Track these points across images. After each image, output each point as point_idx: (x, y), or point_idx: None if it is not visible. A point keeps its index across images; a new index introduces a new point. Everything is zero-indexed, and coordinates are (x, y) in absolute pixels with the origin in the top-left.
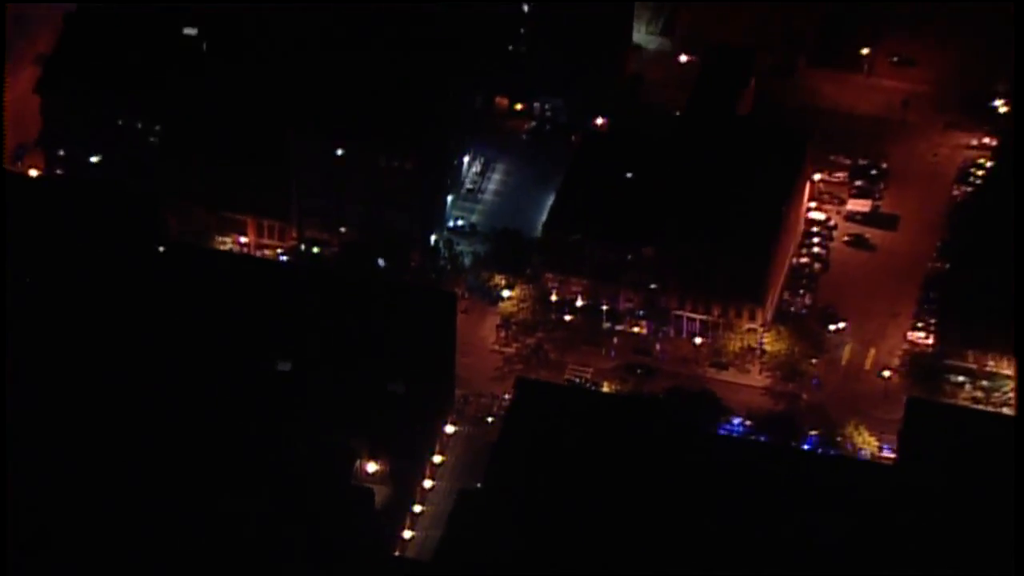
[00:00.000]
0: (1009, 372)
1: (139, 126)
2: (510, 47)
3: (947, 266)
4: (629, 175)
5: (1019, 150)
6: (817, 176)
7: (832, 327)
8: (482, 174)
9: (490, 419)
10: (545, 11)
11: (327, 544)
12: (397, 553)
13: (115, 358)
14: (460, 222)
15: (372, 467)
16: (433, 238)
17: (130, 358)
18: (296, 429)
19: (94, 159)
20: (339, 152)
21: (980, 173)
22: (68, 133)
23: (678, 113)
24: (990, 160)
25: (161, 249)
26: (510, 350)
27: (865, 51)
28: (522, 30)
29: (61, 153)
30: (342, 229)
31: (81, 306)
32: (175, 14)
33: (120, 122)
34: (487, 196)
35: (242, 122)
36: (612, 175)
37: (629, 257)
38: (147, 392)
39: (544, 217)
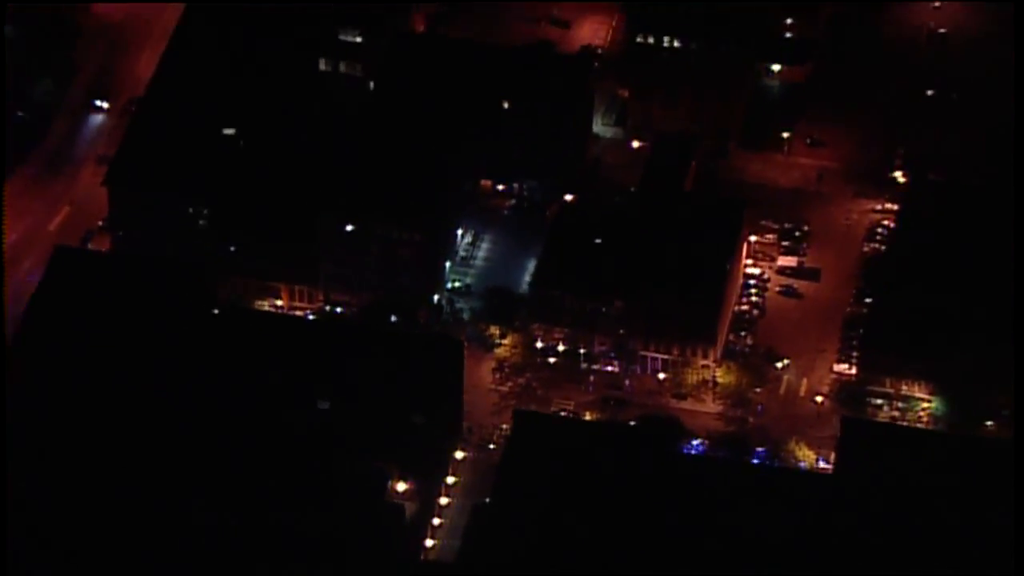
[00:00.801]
0: (921, 394)
1: (190, 210)
2: (493, 138)
3: (863, 309)
4: (598, 240)
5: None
6: (752, 238)
7: (779, 364)
8: (473, 244)
9: (492, 446)
10: (520, 108)
11: (365, 551)
12: (423, 558)
13: (182, 400)
14: (457, 284)
15: (401, 486)
16: (436, 297)
17: (194, 399)
18: (337, 456)
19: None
20: (358, 228)
21: (884, 232)
22: (131, 218)
23: (633, 189)
24: (892, 221)
25: (215, 312)
26: (504, 388)
27: (785, 135)
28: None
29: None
30: (361, 292)
31: (151, 358)
32: (215, 116)
33: (174, 208)
34: (478, 262)
35: (276, 205)
36: (584, 241)
37: (602, 309)
38: (210, 427)
39: (527, 277)
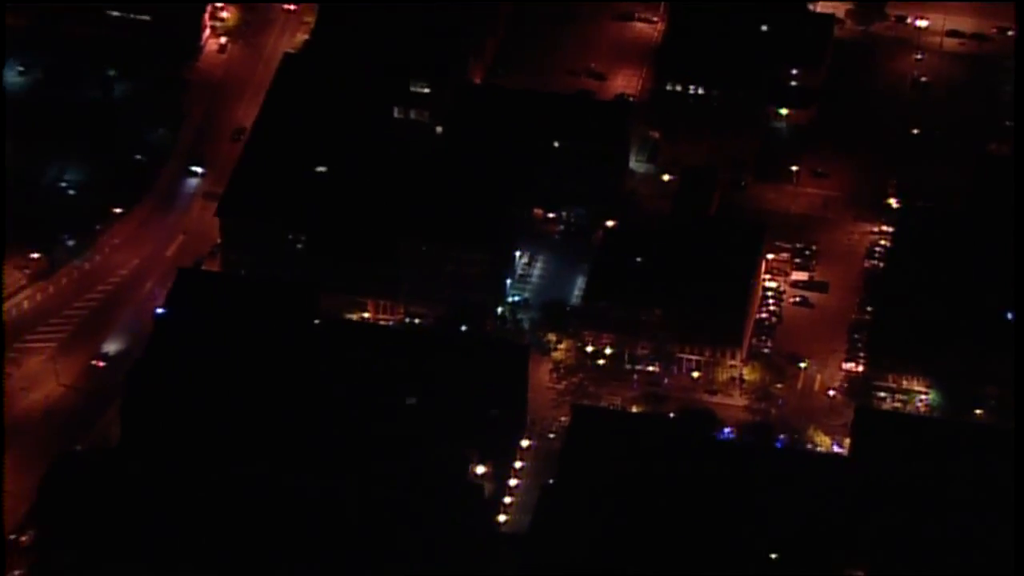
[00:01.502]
0: (920, 388)
1: (290, 236)
2: (543, 172)
3: (866, 316)
4: (639, 259)
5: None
6: (769, 256)
7: (801, 364)
8: (529, 263)
9: (552, 435)
10: (567, 147)
11: (452, 523)
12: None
13: (293, 396)
14: (516, 298)
15: (480, 469)
16: (500, 309)
17: (302, 395)
18: (425, 443)
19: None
20: (434, 250)
21: (881, 251)
22: (238, 243)
23: (663, 216)
24: (888, 241)
25: (316, 322)
26: (560, 387)
27: (794, 168)
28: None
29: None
30: (436, 305)
31: (265, 361)
32: (309, 156)
33: (276, 234)
34: (533, 279)
35: (362, 231)
36: (626, 260)
37: (644, 317)
38: (318, 419)
39: (576, 291)
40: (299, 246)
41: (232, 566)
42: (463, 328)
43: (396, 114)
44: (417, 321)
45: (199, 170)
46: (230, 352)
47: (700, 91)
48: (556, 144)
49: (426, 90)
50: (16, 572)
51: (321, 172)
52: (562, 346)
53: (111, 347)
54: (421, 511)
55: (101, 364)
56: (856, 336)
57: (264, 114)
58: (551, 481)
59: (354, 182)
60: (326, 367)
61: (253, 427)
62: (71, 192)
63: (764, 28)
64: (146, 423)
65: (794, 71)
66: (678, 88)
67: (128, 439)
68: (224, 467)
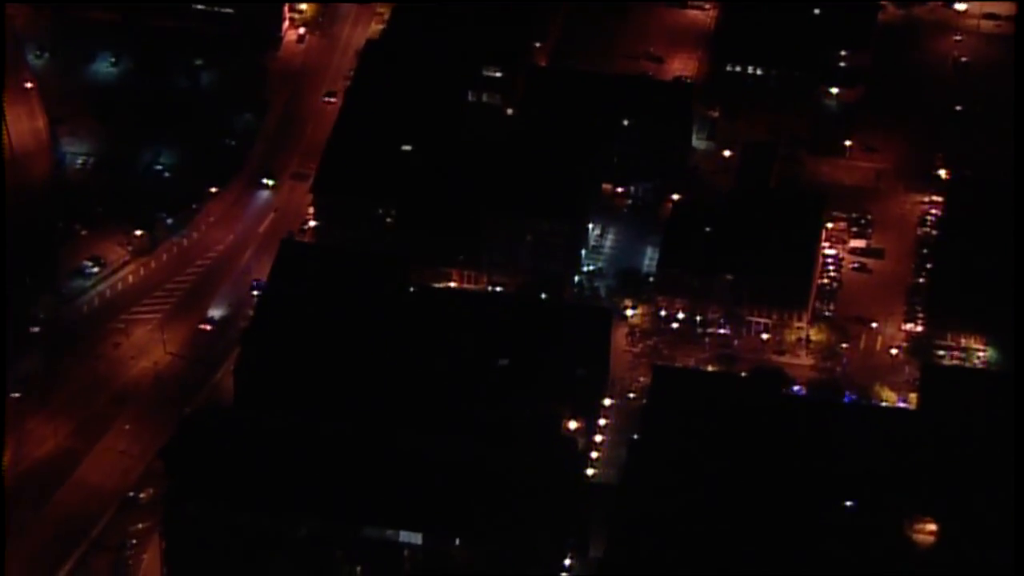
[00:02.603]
0: (977, 345)
1: (380, 211)
2: (612, 150)
3: (921, 280)
4: (708, 229)
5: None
6: (828, 225)
7: (873, 324)
8: (601, 235)
9: (631, 395)
10: (635, 126)
11: (551, 474)
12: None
13: (393, 358)
14: (591, 267)
15: (573, 424)
16: (576, 279)
17: (402, 358)
18: (520, 401)
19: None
20: (516, 223)
21: (933, 219)
22: (331, 218)
23: (724, 190)
24: (940, 210)
25: (411, 290)
26: (636, 350)
27: (847, 143)
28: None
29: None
30: (516, 275)
31: (365, 326)
32: (394, 136)
33: (367, 209)
34: (605, 249)
35: (446, 206)
36: (696, 230)
37: (715, 283)
38: (417, 380)
39: (646, 260)
40: (388, 220)
41: (347, 515)
42: (543, 296)
43: (470, 98)
44: (499, 290)
45: (270, 182)
46: (332, 317)
47: (758, 71)
48: (625, 123)
49: (497, 74)
50: (139, 525)
51: (406, 151)
52: (638, 311)
53: (215, 314)
54: (522, 463)
55: (208, 327)
56: (914, 298)
57: (349, 97)
58: (636, 436)
59: (437, 160)
60: (422, 331)
61: (358, 387)
62: (166, 175)
63: (815, 12)
64: (258, 384)
65: (843, 53)
66: (737, 69)
67: (242, 399)
68: (334, 424)
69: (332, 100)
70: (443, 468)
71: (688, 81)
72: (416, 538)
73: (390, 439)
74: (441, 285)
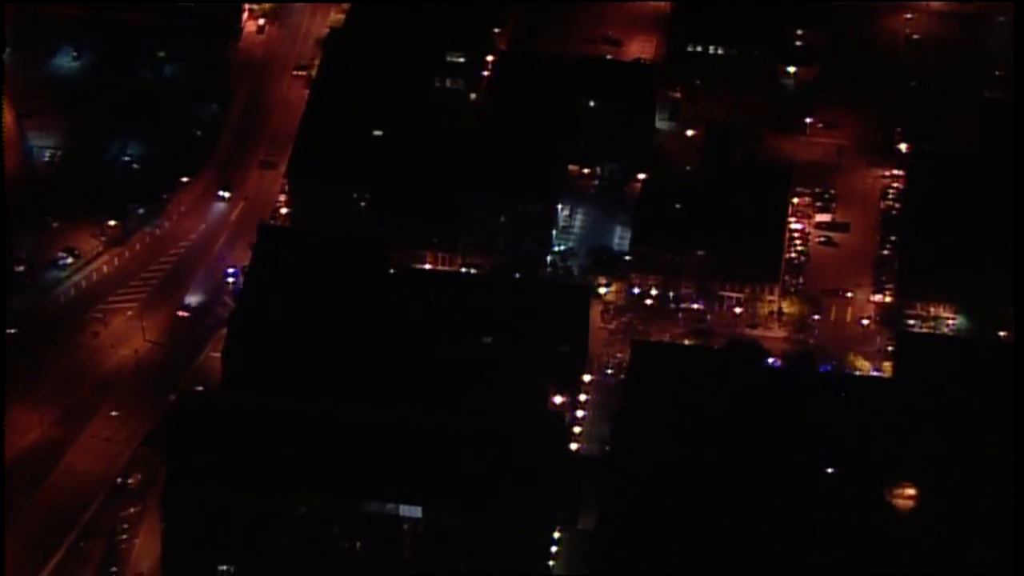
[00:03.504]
0: (947, 314)
1: (354, 195)
2: (578, 131)
3: (885, 252)
4: (678, 206)
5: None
6: (794, 200)
7: (848, 294)
8: (570, 216)
9: (609, 370)
10: (602, 108)
11: (541, 448)
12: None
13: (378, 337)
14: (562, 247)
15: (558, 399)
16: (549, 258)
17: (386, 336)
18: (507, 377)
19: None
20: (491, 203)
21: (895, 192)
22: (306, 203)
23: (689, 167)
24: (902, 183)
25: (391, 271)
26: (611, 326)
27: (808, 120)
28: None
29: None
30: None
31: (347, 306)
32: (364, 122)
33: (341, 194)
34: (575, 229)
35: (419, 190)
36: (666, 207)
37: (687, 259)
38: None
39: (615, 239)
40: (363, 204)
41: (347, 491)
42: (517, 275)
43: (436, 83)
44: (473, 271)
45: (226, 195)
46: (316, 299)
47: (719, 51)
48: (591, 104)
49: (461, 60)
50: (131, 509)
51: (378, 136)
52: (612, 288)
53: (191, 301)
54: (513, 437)
55: (185, 314)
56: (880, 270)
57: (316, 84)
58: (619, 410)
59: (407, 145)
60: (405, 311)
61: (346, 367)
62: (135, 166)
63: None
64: (246, 367)
65: (799, 32)
66: (698, 49)
67: (230, 382)
68: (324, 402)
69: (303, 73)
70: (438, 443)
71: (647, 64)
72: (416, 512)
73: (382, 416)
74: (419, 267)
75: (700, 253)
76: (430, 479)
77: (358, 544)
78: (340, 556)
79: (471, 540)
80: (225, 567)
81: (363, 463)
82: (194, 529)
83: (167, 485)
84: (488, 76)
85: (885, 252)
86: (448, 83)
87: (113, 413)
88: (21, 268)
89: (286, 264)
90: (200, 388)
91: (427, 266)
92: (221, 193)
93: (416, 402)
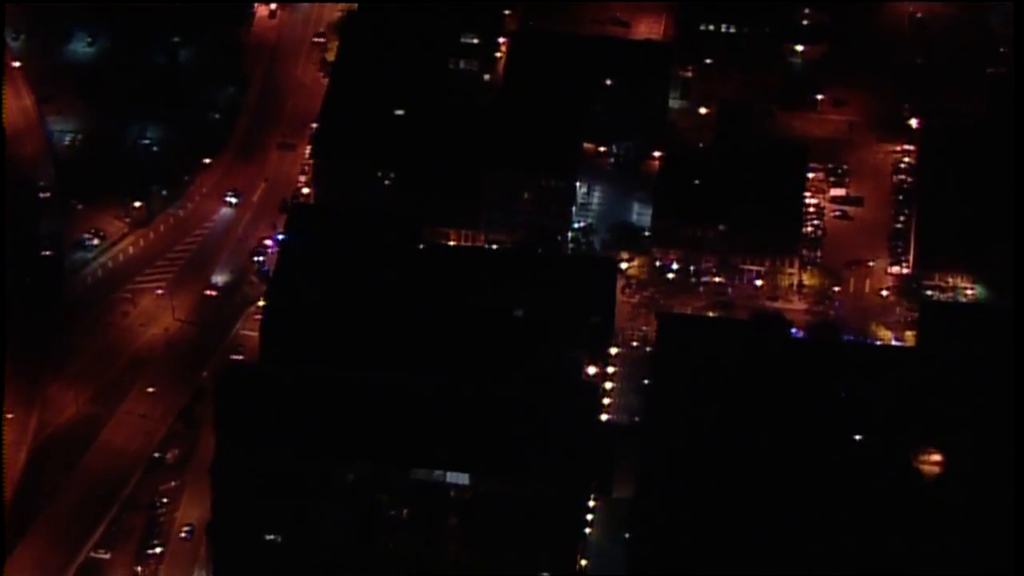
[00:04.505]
0: (964, 283)
1: (379, 174)
2: (593, 110)
3: (899, 225)
4: (697, 181)
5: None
6: (809, 176)
7: (871, 263)
8: (588, 192)
9: (635, 343)
10: (617, 87)
11: (573, 416)
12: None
13: (412, 310)
14: (582, 223)
15: (592, 370)
16: (569, 234)
17: (420, 310)
18: (542, 349)
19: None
20: (516, 179)
21: (907, 166)
22: (330, 182)
23: (701, 145)
24: (914, 158)
25: (420, 247)
26: (634, 300)
27: (819, 97)
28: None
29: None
30: (513, 232)
31: (384, 281)
32: (385, 102)
33: (366, 173)
34: (593, 206)
35: (442, 167)
36: (686, 183)
37: (708, 233)
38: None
39: (633, 215)
40: (387, 182)
41: (395, 459)
42: (539, 251)
43: (450, 65)
44: (495, 247)
45: (233, 200)
46: (350, 273)
47: (731, 29)
48: (606, 83)
49: (475, 41)
50: (172, 483)
51: (400, 115)
52: (634, 263)
53: (218, 280)
54: (550, 407)
55: (213, 293)
56: (896, 242)
57: (335, 67)
58: (646, 381)
59: (429, 124)
60: (437, 285)
61: (382, 339)
62: (155, 149)
63: None
64: (284, 340)
65: (806, 11)
66: (710, 28)
67: (268, 355)
68: (362, 373)
69: (322, 40)
70: (480, 412)
71: (656, 44)
72: (463, 479)
73: (425, 385)
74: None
75: (721, 227)
76: (476, 447)
77: (404, 511)
78: (387, 523)
79: (516, 507)
80: (272, 536)
81: (409, 431)
82: (244, 498)
83: (217, 453)
84: (504, 56)
85: (899, 225)
86: (463, 64)
87: (150, 389)
88: (47, 252)
89: (319, 240)
90: (240, 357)
91: (451, 243)
92: (229, 199)
93: (454, 373)
